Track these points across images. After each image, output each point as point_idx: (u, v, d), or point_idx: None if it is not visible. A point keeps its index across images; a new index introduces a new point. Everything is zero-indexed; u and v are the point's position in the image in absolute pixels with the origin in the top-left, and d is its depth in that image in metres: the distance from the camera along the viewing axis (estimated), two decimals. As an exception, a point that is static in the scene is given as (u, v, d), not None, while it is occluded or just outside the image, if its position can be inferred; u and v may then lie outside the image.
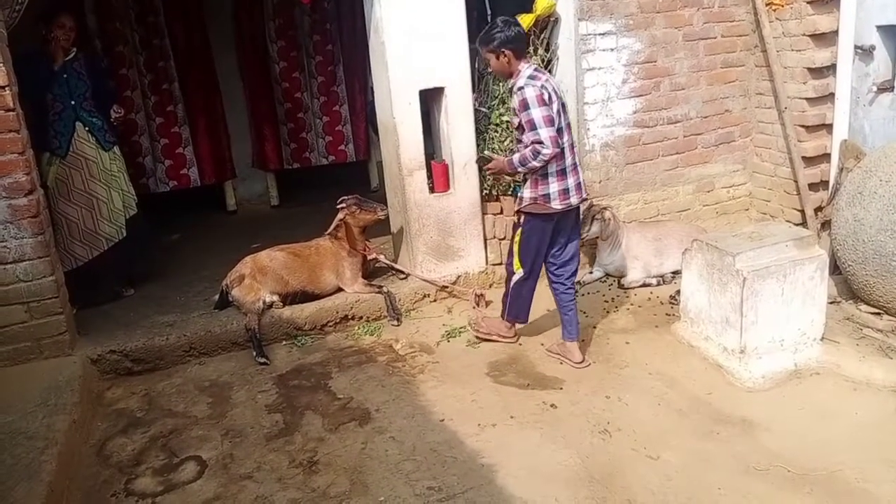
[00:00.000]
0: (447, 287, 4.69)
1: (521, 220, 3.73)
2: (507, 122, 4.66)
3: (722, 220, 5.42)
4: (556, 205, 3.58)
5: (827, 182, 4.88)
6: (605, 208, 4.72)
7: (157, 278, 5.07)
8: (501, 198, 4.80)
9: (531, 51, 4.72)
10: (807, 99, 4.80)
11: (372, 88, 4.97)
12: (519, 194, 3.70)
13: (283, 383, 3.87)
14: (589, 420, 3.33)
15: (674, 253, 4.60)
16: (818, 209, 4.87)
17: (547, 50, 4.80)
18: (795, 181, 4.97)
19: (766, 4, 4.89)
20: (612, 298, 4.63)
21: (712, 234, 4.42)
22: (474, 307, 4.55)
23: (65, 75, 4.41)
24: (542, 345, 4.05)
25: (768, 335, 3.58)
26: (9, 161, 3.65)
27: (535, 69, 3.55)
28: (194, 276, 5.09)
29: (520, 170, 3.56)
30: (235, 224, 6.61)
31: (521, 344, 4.12)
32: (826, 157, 4.89)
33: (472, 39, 4.55)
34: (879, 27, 4.39)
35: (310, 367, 4.03)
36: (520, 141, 3.57)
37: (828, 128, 4.84)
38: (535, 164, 3.43)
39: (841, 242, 4.02)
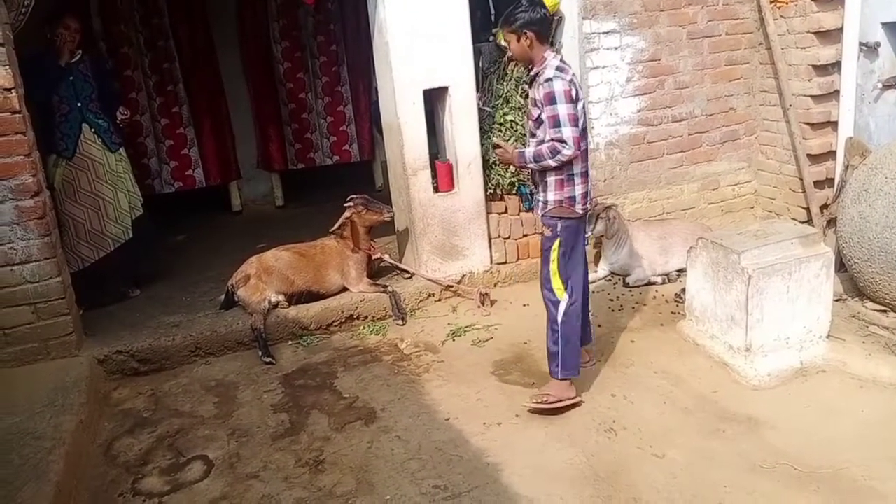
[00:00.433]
0: (451, 286, 4.70)
1: (551, 230, 3.33)
2: (512, 121, 4.66)
3: (727, 217, 5.41)
4: (580, 209, 3.33)
5: (832, 179, 4.87)
6: (609, 207, 4.72)
7: (162, 279, 5.08)
8: (506, 197, 4.81)
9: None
10: (812, 96, 4.79)
11: (376, 88, 4.97)
12: (539, 200, 3.36)
13: (288, 383, 3.89)
14: (594, 418, 3.33)
15: (679, 251, 4.59)
16: (823, 207, 4.85)
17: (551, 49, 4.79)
18: (801, 179, 4.96)
19: (771, 2, 4.88)
20: (617, 297, 4.62)
21: (717, 232, 4.41)
22: (479, 306, 4.56)
23: (70, 77, 4.43)
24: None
25: (774, 333, 3.57)
26: (15, 163, 3.67)
27: (562, 60, 3.30)
28: (200, 277, 5.10)
29: (530, 165, 3.30)
30: (240, 224, 6.62)
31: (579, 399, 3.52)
32: (831, 154, 4.88)
33: (475, 39, 4.56)
34: (884, 24, 4.37)
35: (315, 366, 4.04)
36: (533, 135, 3.33)
37: (833, 125, 4.83)
38: (551, 163, 3.17)
39: (847, 240, 4.00)
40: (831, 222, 4.63)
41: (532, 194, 4.79)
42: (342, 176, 6.98)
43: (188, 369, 4.11)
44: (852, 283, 4.14)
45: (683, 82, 5.04)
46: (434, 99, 4.59)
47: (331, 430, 3.41)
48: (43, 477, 2.88)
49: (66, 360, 3.90)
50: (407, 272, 4.78)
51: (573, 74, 3.26)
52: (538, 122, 3.24)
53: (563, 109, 3.12)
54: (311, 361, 4.10)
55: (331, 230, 4.66)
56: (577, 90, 3.20)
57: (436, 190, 4.63)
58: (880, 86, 4.44)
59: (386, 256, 4.83)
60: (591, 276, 4.83)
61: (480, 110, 4.65)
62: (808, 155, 4.88)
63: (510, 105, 4.69)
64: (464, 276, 4.76)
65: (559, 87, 3.12)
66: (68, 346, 3.93)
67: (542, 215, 3.37)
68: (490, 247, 4.85)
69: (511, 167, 4.65)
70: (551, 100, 3.13)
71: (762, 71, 5.15)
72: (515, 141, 4.64)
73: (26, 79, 3.82)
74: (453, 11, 4.37)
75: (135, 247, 4.76)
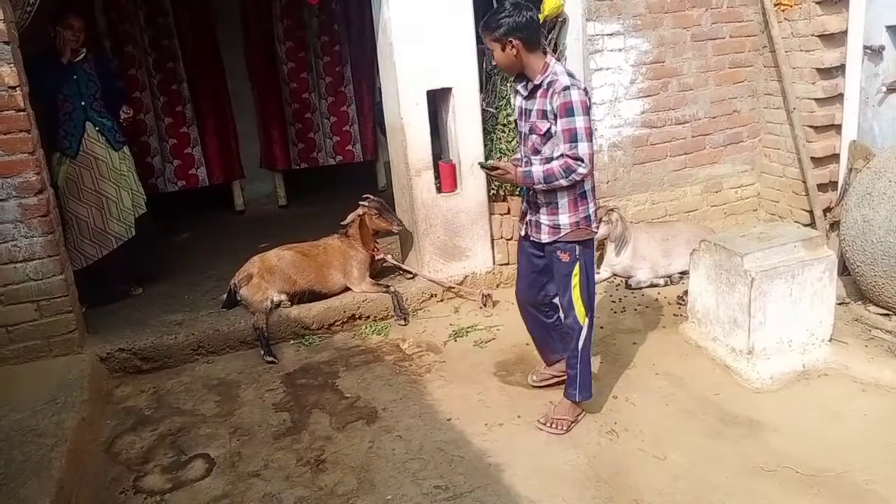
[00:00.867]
0: (453, 287, 4.70)
1: (569, 255, 3.09)
2: (515, 121, 4.65)
3: (730, 220, 5.41)
4: (595, 227, 3.12)
5: (836, 183, 4.86)
6: (611, 210, 4.72)
7: (165, 277, 5.09)
8: (509, 198, 4.80)
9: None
10: (816, 99, 4.78)
11: (380, 89, 4.98)
12: (544, 224, 3.09)
13: (290, 382, 3.89)
14: (596, 420, 3.33)
15: (682, 253, 4.59)
16: (827, 210, 4.85)
17: (555, 50, 4.80)
18: (804, 182, 4.96)
19: (775, 5, 4.87)
20: (620, 299, 4.62)
21: (720, 234, 4.40)
22: (481, 307, 4.56)
23: (74, 76, 4.44)
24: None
25: (776, 336, 3.57)
26: (19, 161, 3.68)
27: (564, 65, 3.02)
28: (202, 276, 5.11)
29: (539, 186, 2.98)
30: (243, 224, 6.63)
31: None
32: (835, 157, 4.87)
33: (479, 40, 4.56)
34: (889, 27, 4.37)
35: (317, 365, 4.04)
36: (537, 152, 3.02)
37: (837, 128, 4.82)
38: (563, 182, 2.90)
39: (850, 243, 4.00)
40: (834, 225, 4.63)
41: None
42: (345, 176, 6.98)
43: (190, 368, 4.11)
44: (855, 286, 4.13)
45: (687, 84, 5.04)
46: (437, 99, 4.60)
47: (332, 429, 3.41)
48: (45, 474, 2.88)
49: (69, 358, 3.90)
50: (409, 273, 4.78)
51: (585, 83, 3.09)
52: (546, 136, 2.95)
53: (581, 122, 2.84)
54: (312, 361, 4.10)
55: (342, 223, 4.67)
56: (590, 99, 2.98)
57: (439, 190, 4.64)
58: (884, 89, 4.43)
59: (389, 257, 4.83)
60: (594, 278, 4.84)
61: (484, 111, 4.65)
62: (812, 158, 4.88)
63: (514, 106, 4.68)
64: (466, 276, 4.76)
65: (577, 96, 2.83)
66: (71, 344, 3.93)
67: (555, 242, 3.09)
68: (493, 248, 4.85)
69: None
70: (568, 111, 2.83)
71: (766, 74, 5.15)
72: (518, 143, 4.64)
73: (31, 77, 3.83)
74: (457, 12, 4.37)
75: (138, 245, 4.76)
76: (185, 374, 4.04)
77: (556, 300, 3.32)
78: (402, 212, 4.82)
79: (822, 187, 4.92)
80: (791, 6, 4.78)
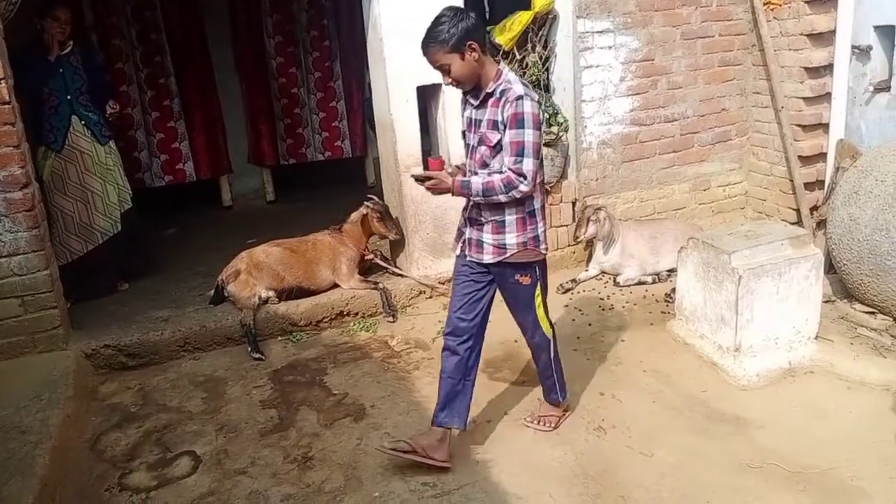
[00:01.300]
0: (436, 288, 4.67)
1: (530, 276, 2.94)
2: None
3: (718, 218, 5.43)
4: (543, 249, 2.93)
5: (823, 181, 4.89)
6: (599, 209, 4.72)
7: (152, 273, 5.05)
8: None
9: (528, 48, 4.72)
10: (804, 98, 4.81)
11: (369, 84, 4.96)
12: (494, 242, 2.86)
13: (277, 379, 3.87)
14: (583, 417, 3.33)
15: (670, 251, 4.60)
16: (814, 208, 4.88)
17: (545, 47, 4.80)
18: (791, 180, 4.98)
19: (764, 4, 4.89)
20: (608, 296, 4.63)
21: (708, 232, 4.42)
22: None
23: (60, 69, 4.40)
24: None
25: (763, 333, 3.58)
26: (4, 154, 3.64)
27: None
28: (189, 272, 5.08)
29: (476, 199, 2.79)
30: (231, 219, 6.59)
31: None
32: (822, 156, 4.90)
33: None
34: (876, 27, 4.40)
35: (305, 362, 4.03)
36: (485, 165, 2.80)
37: (824, 127, 4.85)
38: (502, 198, 2.71)
39: (836, 241, 4.03)
40: (821, 224, 4.65)
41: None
42: (334, 172, 6.96)
43: (176, 364, 4.08)
44: (841, 284, 4.16)
45: (676, 83, 5.05)
46: (427, 96, 4.58)
47: (320, 426, 3.40)
48: (29, 471, 2.86)
49: (54, 354, 3.87)
50: (400, 274, 4.76)
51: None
52: (496, 148, 2.73)
53: (530, 136, 2.65)
54: (300, 357, 4.09)
55: (348, 221, 4.67)
56: (543, 113, 2.91)
57: (428, 187, 4.62)
58: (871, 89, 4.46)
59: (377, 255, 4.82)
60: (583, 275, 4.85)
61: (474, 108, 4.63)
62: (799, 157, 4.90)
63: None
64: (455, 273, 4.75)
65: (530, 108, 2.65)
66: (55, 340, 3.90)
67: (501, 263, 2.88)
68: (481, 245, 4.83)
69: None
70: (519, 123, 2.64)
71: (755, 72, 5.17)
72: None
73: (16, 69, 3.78)
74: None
75: (124, 240, 4.73)
76: (172, 371, 4.02)
77: (479, 329, 3.05)
78: (391, 208, 4.81)
79: (809, 186, 4.95)
80: (780, 5, 4.80)
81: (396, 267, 4.81)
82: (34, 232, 3.76)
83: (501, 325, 4.22)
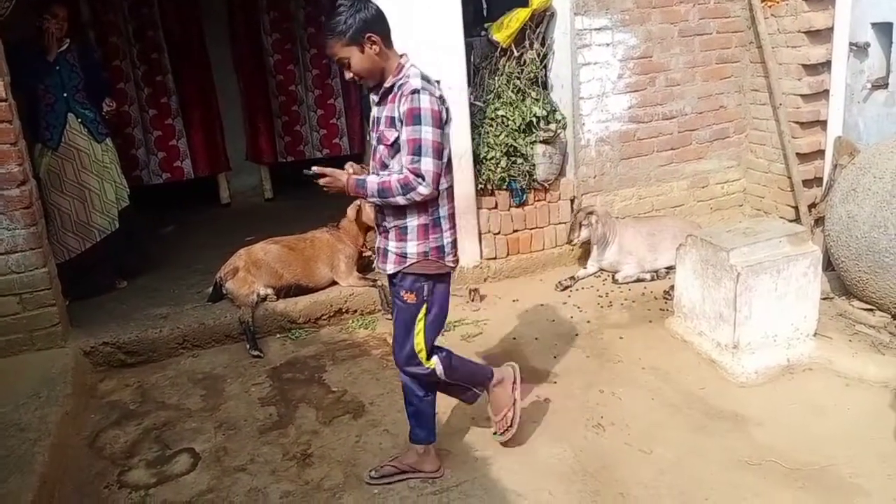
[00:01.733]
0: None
1: (416, 295, 2.68)
2: (503, 116, 4.65)
3: (716, 215, 5.43)
4: (450, 261, 2.71)
5: (821, 178, 4.89)
6: (590, 213, 4.72)
7: (150, 271, 5.05)
8: (496, 192, 4.80)
9: (526, 45, 4.72)
10: (801, 95, 4.81)
11: (367, 82, 4.94)
12: (392, 251, 2.67)
13: (276, 376, 3.87)
14: (582, 414, 3.34)
15: (668, 248, 4.61)
16: (812, 205, 4.88)
17: (543, 44, 4.80)
18: (789, 177, 4.99)
19: (762, 1, 4.89)
20: (606, 293, 4.63)
21: (706, 229, 4.42)
22: (468, 302, 4.56)
23: (57, 66, 4.38)
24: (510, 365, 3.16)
25: (761, 330, 3.59)
26: (1, 152, 3.63)
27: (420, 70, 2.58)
28: (187, 269, 5.07)
29: (373, 200, 2.61)
30: (229, 217, 6.58)
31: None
32: (820, 153, 4.91)
33: (467, 33, 4.55)
34: (874, 24, 4.40)
35: (304, 360, 4.03)
36: (384, 166, 2.61)
37: (822, 124, 4.85)
38: (400, 200, 2.51)
39: (834, 239, 4.03)
40: (819, 221, 4.66)
41: (522, 190, 4.80)
42: (332, 169, 6.94)
43: (175, 362, 4.08)
44: (839, 281, 4.16)
45: (674, 80, 5.05)
46: (425, 93, 4.57)
47: (319, 423, 3.40)
48: (27, 468, 2.85)
49: (52, 352, 3.86)
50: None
51: (441, 91, 2.59)
52: (394, 147, 2.54)
53: (428, 134, 2.45)
54: (299, 355, 4.09)
55: (345, 216, 4.67)
56: (446, 110, 2.57)
57: (426, 184, 4.61)
58: (869, 86, 4.46)
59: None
60: (581, 273, 4.86)
61: (472, 105, 4.64)
62: (797, 154, 4.91)
63: (501, 100, 4.68)
64: (453, 270, 4.75)
65: (427, 103, 2.46)
66: (54, 338, 3.89)
67: (399, 273, 2.68)
68: (480, 242, 4.84)
69: (501, 163, 4.64)
70: (415, 119, 2.45)
71: (752, 69, 5.17)
72: (506, 137, 4.64)
73: (12, 66, 3.77)
74: (445, 5, 4.35)
75: (121, 238, 4.72)
76: (171, 369, 4.01)
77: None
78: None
79: (807, 183, 4.95)
80: (778, 2, 4.80)
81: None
82: (32, 229, 3.75)
83: (500, 324, 4.27)
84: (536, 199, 4.91)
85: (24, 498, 2.68)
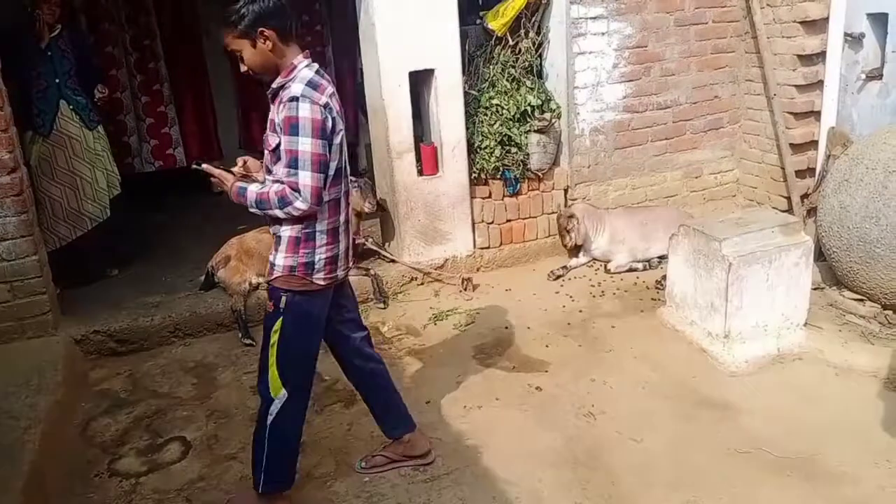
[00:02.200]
0: (429, 273, 4.68)
1: (273, 304, 2.53)
2: (498, 105, 4.64)
3: (709, 206, 5.43)
4: (320, 279, 2.49)
5: (814, 169, 4.90)
6: (570, 216, 4.71)
7: (142, 259, 5.03)
8: (490, 181, 4.79)
9: (522, 34, 4.70)
10: (796, 86, 4.80)
11: (361, 70, 4.93)
12: (271, 260, 2.52)
13: (268, 365, 3.86)
14: (574, 403, 3.35)
15: (660, 238, 4.61)
16: (804, 196, 4.89)
17: (538, 33, 4.78)
18: (783, 168, 4.99)
19: (757, -10, 4.88)
20: (599, 283, 4.64)
21: (699, 219, 4.43)
22: (461, 291, 4.56)
23: (49, 53, 4.34)
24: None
25: (752, 320, 3.60)
26: (-9, 138, 3.60)
27: (318, 70, 2.43)
28: (180, 257, 5.05)
29: (253, 209, 2.44)
30: (221, 205, 6.51)
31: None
32: (814, 144, 4.91)
33: (462, 22, 4.53)
34: (869, 15, 4.39)
35: (296, 348, 4.02)
36: (269, 171, 2.46)
37: (816, 115, 4.85)
38: (278, 213, 2.37)
39: (826, 229, 4.04)
40: (811, 211, 4.67)
41: (515, 180, 4.80)
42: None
43: (167, 350, 4.07)
44: (831, 272, 4.17)
45: (669, 69, 5.03)
46: (420, 81, 4.56)
47: (310, 412, 3.35)
48: (18, 456, 2.85)
49: (43, 340, 3.85)
50: (392, 259, 4.75)
51: (332, 92, 2.41)
52: (276, 153, 2.38)
53: (306, 146, 2.29)
54: (291, 343, 4.08)
55: None
56: (333, 119, 2.37)
57: (420, 173, 4.61)
58: (864, 76, 4.46)
59: (369, 241, 4.81)
60: (573, 262, 4.86)
61: (466, 93, 4.62)
62: (791, 144, 4.90)
63: (496, 89, 4.66)
64: (447, 260, 4.75)
65: (307, 112, 2.29)
66: (45, 326, 3.88)
67: (268, 282, 2.57)
68: (473, 231, 4.84)
69: (495, 152, 4.64)
70: (292, 129, 2.29)
71: (747, 60, 5.16)
72: (501, 126, 4.62)
73: (3, 53, 3.74)
74: (440, -7, 4.33)
75: (113, 226, 4.70)
76: (162, 357, 4.01)
77: (363, 344, 2.90)
78: (382, 194, 4.80)
79: (800, 174, 4.95)
80: (773, -8, 4.79)
81: (388, 252, 4.80)
82: (22, 217, 3.73)
83: (493, 312, 4.27)
84: (530, 188, 4.90)
85: (14, 486, 2.67)
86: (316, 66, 2.45)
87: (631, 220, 4.83)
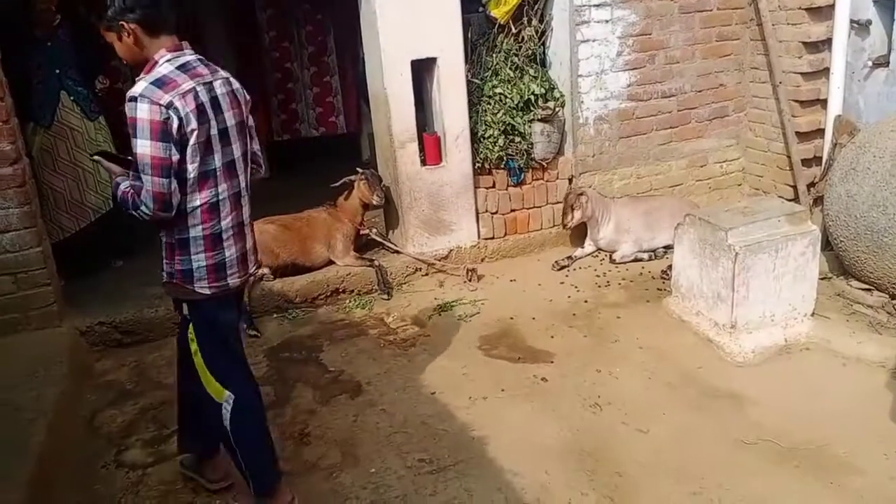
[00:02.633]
0: (433, 264, 4.66)
1: (181, 310, 2.49)
2: (501, 94, 4.61)
3: (714, 195, 5.40)
4: (204, 288, 2.38)
5: (820, 158, 4.86)
6: (580, 194, 4.68)
7: (145, 250, 4.97)
8: (494, 171, 4.77)
9: (524, 22, 4.65)
10: (802, 73, 4.76)
11: (363, 59, 4.90)
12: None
13: (274, 356, 3.86)
14: (579, 393, 3.34)
15: (666, 227, 4.58)
16: (811, 185, 4.86)
17: (541, 21, 4.74)
18: (789, 156, 4.95)
19: (764, -24, 4.82)
20: (604, 273, 4.62)
21: (705, 208, 4.41)
22: (466, 281, 4.54)
23: (49, 43, 4.32)
24: None
25: (759, 310, 3.59)
26: (-7, 129, 3.59)
27: (185, 64, 2.32)
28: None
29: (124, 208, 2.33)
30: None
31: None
32: (820, 132, 4.87)
33: (465, 10, 4.49)
34: (876, 1, 4.35)
35: (301, 339, 4.02)
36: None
37: (822, 103, 4.81)
38: (135, 213, 2.28)
39: (833, 218, 4.01)
40: (818, 200, 4.64)
41: (519, 169, 4.77)
42: (328, 148, 6.90)
43: (172, 341, 3.96)
44: (838, 261, 4.15)
45: (674, 57, 4.99)
46: (422, 70, 4.53)
47: (316, 403, 3.40)
48: (24, 448, 2.85)
49: (48, 331, 3.85)
50: (396, 250, 4.74)
51: (190, 92, 2.24)
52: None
53: (145, 148, 2.18)
54: (296, 335, 4.08)
55: (332, 185, 4.63)
56: (182, 118, 2.21)
57: (423, 163, 4.59)
58: (870, 64, 4.42)
59: (373, 231, 4.79)
60: (578, 252, 4.84)
61: (469, 82, 4.59)
62: (797, 133, 4.87)
63: (499, 77, 4.63)
64: (451, 250, 4.74)
65: (144, 112, 2.17)
66: (50, 317, 3.88)
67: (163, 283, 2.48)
68: (478, 221, 4.82)
69: (499, 142, 4.61)
70: (133, 130, 2.18)
71: (752, 47, 5.11)
72: (504, 115, 4.60)
73: (4, 44, 3.71)
74: (443, -20, 4.29)
75: (117, 217, 4.68)
76: (167, 348, 3.98)
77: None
78: (385, 184, 4.77)
79: (806, 162, 4.92)
80: (779, -22, 4.73)
81: (392, 243, 4.79)
82: (25, 208, 3.72)
83: (498, 303, 4.27)
84: (534, 178, 4.88)
85: (20, 478, 2.68)
86: (184, 59, 2.34)
87: (636, 210, 4.81)
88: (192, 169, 2.27)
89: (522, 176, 4.81)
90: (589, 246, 4.89)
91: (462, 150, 4.61)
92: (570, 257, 4.79)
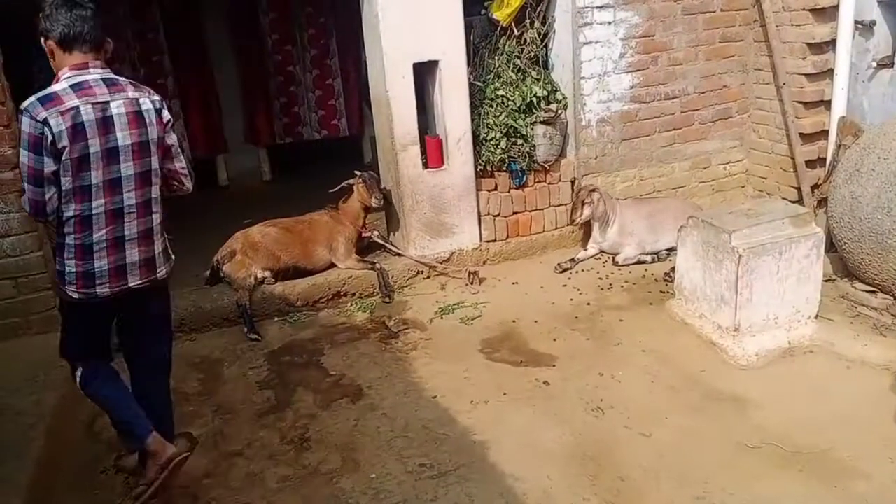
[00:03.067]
0: (435, 267, 4.65)
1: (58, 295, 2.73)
2: (503, 96, 4.60)
3: (718, 197, 5.38)
4: (73, 292, 2.54)
5: (824, 159, 4.83)
6: (593, 190, 4.67)
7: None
8: (496, 173, 4.76)
9: (527, 24, 4.63)
10: (806, 75, 4.73)
11: (365, 62, 4.89)
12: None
13: (274, 360, 3.85)
14: (582, 397, 3.32)
15: (669, 230, 4.56)
16: (815, 186, 4.83)
17: (543, 23, 4.73)
18: (793, 158, 4.93)
19: (767, -23, 4.80)
20: (606, 276, 4.60)
21: (708, 210, 4.38)
22: (467, 284, 4.53)
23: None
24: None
25: (763, 313, 3.56)
26: (-6, 134, 3.59)
27: (82, 82, 2.41)
28: (185, 252, 5.00)
29: None
30: (227, 199, 6.54)
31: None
32: (824, 133, 4.84)
33: (467, 12, 4.48)
34: (880, 2, 4.33)
35: (302, 343, 4.01)
36: None
37: (826, 104, 4.78)
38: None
39: (837, 220, 3.99)
40: (822, 202, 4.61)
41: (522, 172, 4.76)
42: (330, 151, 6.90)
43: (173, 346, 4.05)
44: (842, 263, 4.12)
45: (677, 59, 4.97)
46: (424, 73, 4.52)
47: (316, 407, 3.39)
48: (24, 453, 2.86)
49: (49, 336, 3.81)
50: (397, 253, 4.72)
51: (71, 110, 2.36)
52: None
53: (23, 157, 2.38)
54: (297, 338, 4.07)
55: (330, 191, 4.63)
56: (56, 134, 2.34)
57: (425, 166, 4.58)
58: (875, 65, 4.40)
59: (375, 234, 4.78)
60: (581, 255, 4.82)
61: (471, 85, 4.58)
62: (801, 134, 4.84)
63: (502, 80, 4.62)
64: (453, 253, 4.72)
65: (25, 125, 2.35)
66: (50, 322, 3.85)
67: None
68: (479, 224, 4.81)
69: (501, 144, 4.60)
70: (19, 141, 2.42)
71: (756, 48, 5.09)
72: (506, 117, 4.58)
73: (6, 48, 3.72)
74: (444, -17, 4.28)
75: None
76: (168, 352, 3.99)
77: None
78: (387, 187, 4.76)
79: (810, 164, 4.89)
80: (783, -21, 4.71)
81: (394, 246, 4.77)
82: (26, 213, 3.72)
83: (499, 306, 4.25)
84: (536, 180, 4.86)
85: (20, 482, 2.68)
86: (82, 78, 2.43)
87: (639, 212, 4.79)
88: (65, 182, 2.42)
89: (524, 178, 4.79)
90: (591, 248, 4.87)
91: (464, 152, 4.59)
92: (572, 260, 4.77)
